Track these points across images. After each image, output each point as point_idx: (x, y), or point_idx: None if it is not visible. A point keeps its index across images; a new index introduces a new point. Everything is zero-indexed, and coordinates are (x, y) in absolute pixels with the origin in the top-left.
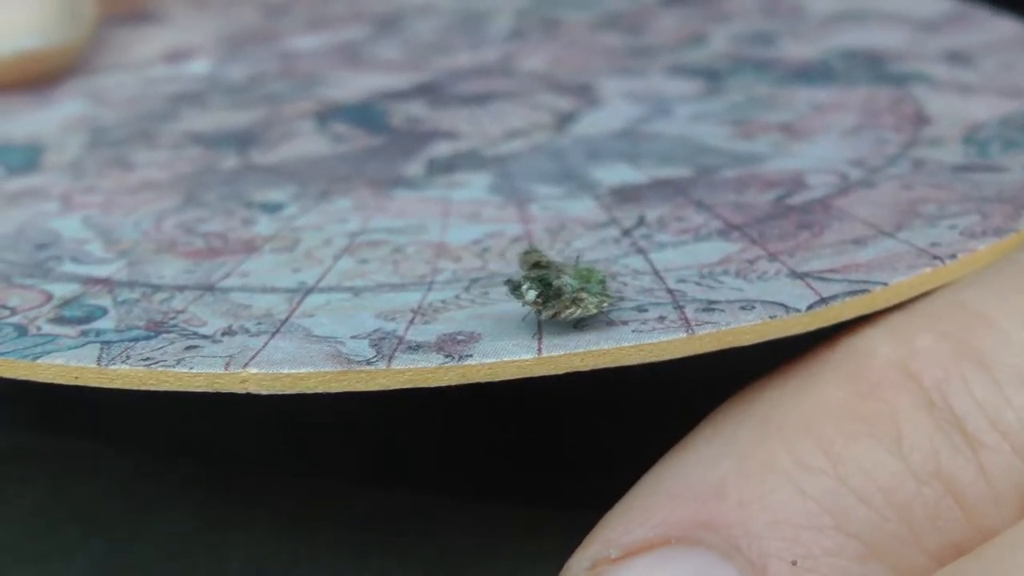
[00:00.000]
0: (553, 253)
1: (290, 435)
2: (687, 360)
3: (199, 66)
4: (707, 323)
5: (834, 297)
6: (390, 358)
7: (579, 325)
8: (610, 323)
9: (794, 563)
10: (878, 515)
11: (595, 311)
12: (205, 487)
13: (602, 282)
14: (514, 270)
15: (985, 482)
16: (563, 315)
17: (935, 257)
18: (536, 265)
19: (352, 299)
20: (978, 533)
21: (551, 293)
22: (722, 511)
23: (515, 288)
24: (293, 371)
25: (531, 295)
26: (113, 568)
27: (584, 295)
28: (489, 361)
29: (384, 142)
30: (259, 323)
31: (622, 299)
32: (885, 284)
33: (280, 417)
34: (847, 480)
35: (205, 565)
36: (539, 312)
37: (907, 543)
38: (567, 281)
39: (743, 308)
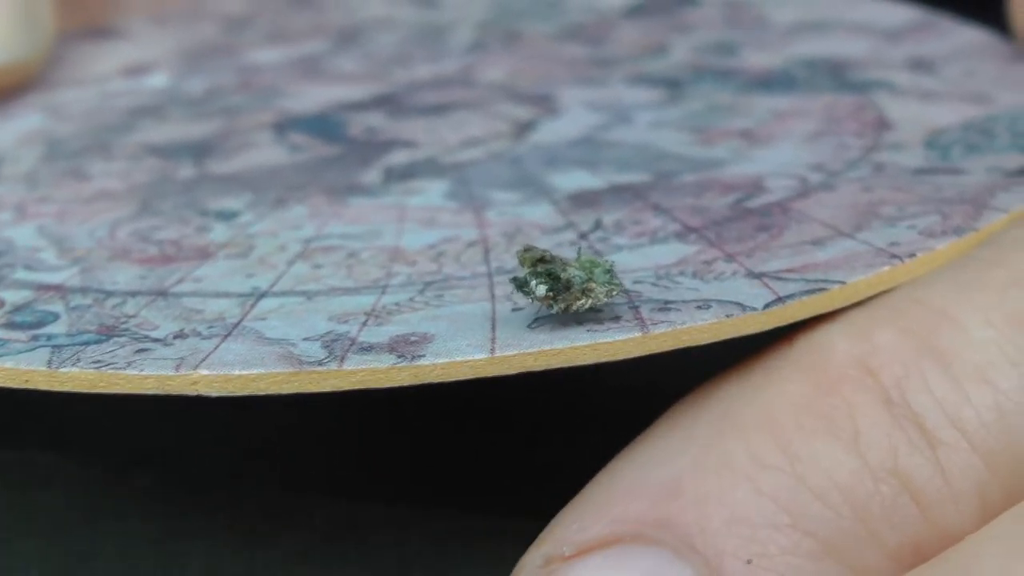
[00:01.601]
0: (509, 256)
1: (250, 445)
2: (655, 364)
3: (158, 80)
4: (662, 322)
5: (791, 296)
6: (342, 359)
7: (586, 316)
8: (564, 324)
9: (749, 561)
10: (834, 513)
11: (605, 300)
12: (164, 497)
13: (608, 271)
14: (468, 273)
15: (943, 480)
16: (574, 307)
17: (894, 256)
18: (540, 260)
19: (305, 302)
20: (936, 532)
21: (560, 286)
22: (677, 508)
23: (522, 285)
24: (244, 372)
25: (541, 290)
26: None
27: (593, 285)
28: (442, 361)
29: (341, 151)
30: (211, 326)
31: (626, 290)
32: (843, 283)
33: (240, 426)
34: (804, 478)
35: (163, 574)
36: (550, 306)
37: (864, 542)
38: (574, 273)
39: (699, 307)
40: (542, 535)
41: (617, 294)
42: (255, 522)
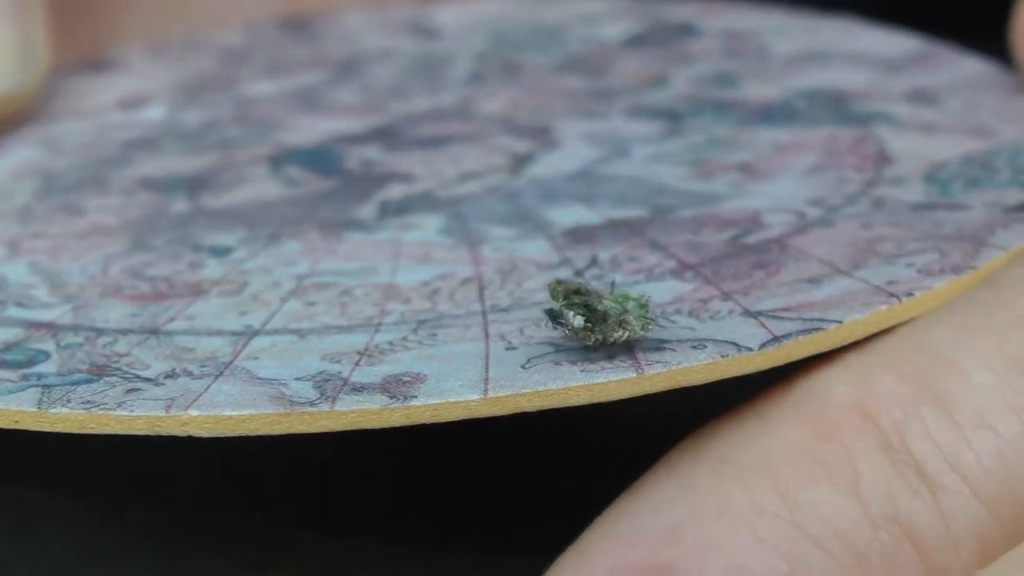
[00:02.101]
0: (504, 294)
1: (245, 480)
2: (650, 402)
3: (154, 112)
4: (657, 363)
5: (787, 335)
6: (334, 399)
7: (620, 349)
8: (558, 363)
9: None
10: (834, 561)
11: (641, 332)
12: (162, 534)
13: (644, 305)
14: (462, 311)
15: (944, 526)
16: (611, 339)
17: (891, 295)
18: (575, 292)
19: (298, 341)
20: None
21: (597, 317)
22: (676, 555)
23: (556, 317)
24: (235, 413)
25: (579, 321)
26: None
27: (629, 317)
28: (434, 402)
29: (337, 185)
30: (203, 366)
31: (663, 319)
32: (840, 322)
33: (235, 462)
34: (803, 525)
35: None
36: (588, 337)
37: None
38: (610, 305)
39: (694, 347)
40: None
41: (652, 327)
42: (253, 560)
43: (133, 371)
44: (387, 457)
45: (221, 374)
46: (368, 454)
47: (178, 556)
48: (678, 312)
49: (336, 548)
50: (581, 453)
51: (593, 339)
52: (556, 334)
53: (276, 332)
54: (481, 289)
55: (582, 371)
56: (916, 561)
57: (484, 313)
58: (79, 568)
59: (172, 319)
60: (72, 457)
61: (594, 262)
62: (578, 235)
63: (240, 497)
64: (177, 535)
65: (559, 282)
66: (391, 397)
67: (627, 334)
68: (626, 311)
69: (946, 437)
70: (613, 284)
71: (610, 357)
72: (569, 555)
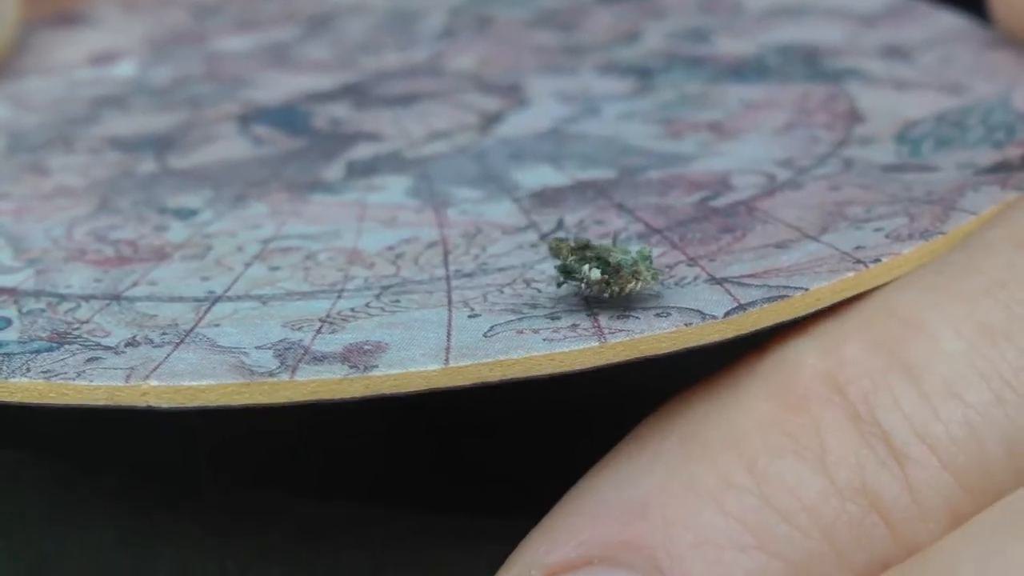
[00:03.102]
0: (469, 259)
1: (219, 444)
2: (633, 365)
3: (124, 68)
4: (620, 331)
5: (752, 303)
6: (294, 369)
7: (631, 303)
8: (520, 332)
9: None
10: (801, 534)
11: (653, 282)
12: (131, 497)
13: (648, 257)
14: (426, 276)
15: (912, 498)
16: (626, 290)
17: (858, 261)
18: (584, 247)
19: (260, 308)
20: (905, 551)
21: (611, 270)
22: (645, 530)
23: (570, 273)
24: (194, 383)
25: (596, 274)
26: None
27: (640, 268)
28: (395, 372)
29: (305, 144)
30: (164, 333)
31: (666, 271)
32: (805, 289)
33: (208, 425)
34: (770, 498)
35: None
36: (604, 290)
37: (832, 562)
38: (621, 256)
39: (658, 315)
40: (511, 558)
41: (663, 278)
42: (224, 522)
43: (94, 339)
44: (363, 419)
45: (182, 342)
46: (344, 417)
47: (148, 519)
48: None
49: (311, 510)
50: (560, 410)
51: (609, 291)
52: (555, 292)
53: (238, 298)
54: (446, 253)
55: (545, 340)
56: (884, 533)
57: (448, 279)
58: (48, 529)
59: (135, 284)
60: (39, 420)
61: (560, 226)
62: (545, 197)
63: (210, 461)
64: (148, 498)
65: (561, 239)
66: (352, 367)
67: (640, 284)
68: (637, 261)
69: (914, 407)
70: (615, 238)
71: (574, 326)
72: (538, 531)
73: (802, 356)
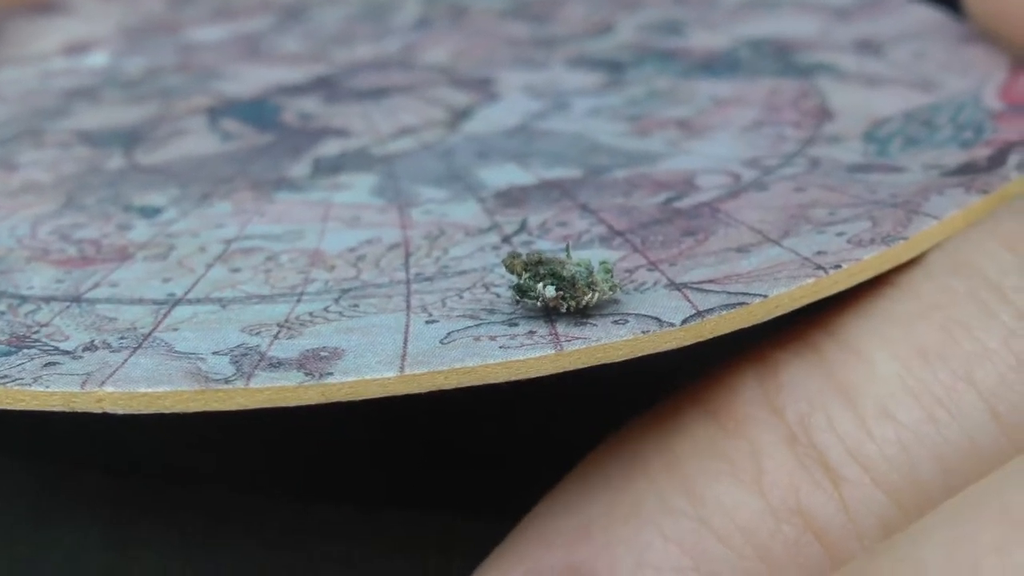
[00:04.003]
0: (430, 262)
1: (199, 443)
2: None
3: (97, 59)
4: (577, 339)
5: (711, 311)
6: (249, 376)
7: (590, 313)
8: (477, 338)
9: None
10: (737, 555)
11: (610, 293)
12: (111, 499)
13: (609, 271)
14: (386, 280)
15: (847, 517)
16: (583, 302)
17: (818, 267)
18: (537, 263)
19: (219, 311)
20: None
21: (566, 284)
22: (588, 554)
23: (525, 292)
24: (150, 390)
25: (551, 291)
26: None
27: (596, 278)
28: (350, 379)
29: (272, 140)
30: (122, 338)
31: (626, 276)
32: (764, 296)
33: (188, 424)
34: (707, 521)
35: None
36: (561, 306)
37: None
38: (575, 269)
39: (616, 322)
40: None
41: (621, 289)
42: (205, 527)
43: (52, 343)
44: (344, 418)
45: (139, 346)
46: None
47: (129, 523)
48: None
49: (291, 514)
50: (551, 412)
51: (566, 306)
52: (508, 303)
53: (198, 301)
54: (407, 256)
55: (501, 347)
56: (819, 552)
57: (408, 282)
58: (28, 533)
59: (96, 285)
60: (15, 418)
61: (523, 227)
62: (510, 198)
63: (192, 461)
64: (128, 501)
65: (515, 255)
66: (307, 374)
67: (597, 295)
68: (591, 272)
69: (849, 428)
70: (568, 248)
71: (530, 332)
72: (492, 557)
73: (742, 381)
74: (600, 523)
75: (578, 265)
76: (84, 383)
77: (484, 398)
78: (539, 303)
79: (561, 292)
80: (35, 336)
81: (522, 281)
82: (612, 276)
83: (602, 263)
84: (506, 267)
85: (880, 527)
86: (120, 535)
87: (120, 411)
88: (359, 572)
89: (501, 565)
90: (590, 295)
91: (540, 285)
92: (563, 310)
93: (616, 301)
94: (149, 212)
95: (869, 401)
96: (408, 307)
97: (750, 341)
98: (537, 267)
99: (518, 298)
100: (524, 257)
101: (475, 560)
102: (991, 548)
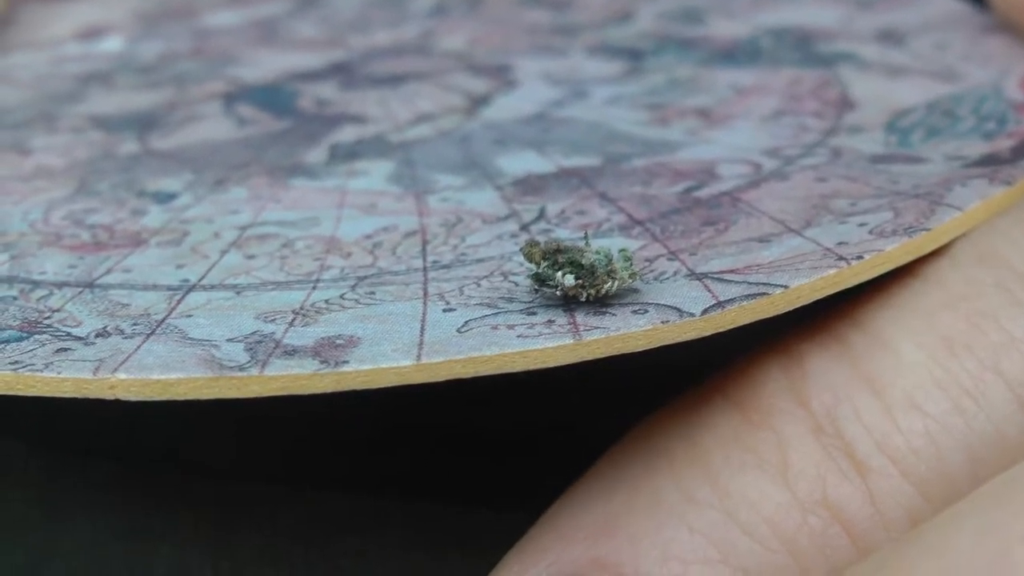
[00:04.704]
0: (447, 249)
1: (214, 431)
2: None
3: (112, 43)
4: (596, 328)
5: (731, 301)
6: (264, 364)
7: (609, 302)
8: (495, 327)
9: None
10: (763, 547)
11: (630, 281)
12: (126, 489)
13: (628, 258)
14: (403, 267)
15: (874, 508)
16: (603, 291)
17: (840, 258)
18: (555, 251)
19: (234, 298)
20: None
21: (585, 273)
22: (612, 548)
23: (544, 281)
24: (163, 377)
25: (569, 280)
26: None
27: (616, 266)
28: (366, 368)
29: (289, 126)
30: (135, 324)
31: (645, 266)
32: (785, 287)
33: (201, 412)
34: (733, 513)
35: (127, 575)
36: (580, 294)
37: (795, 574)
38: (594, 257)
39: (635, 312)
40: None
41: (640, 274)
42: (219, 518)
43: (65, 328)
44: (360, 408)
45: (153, 333)
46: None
47: (144, 514)
48: None
49: (307, 507)
50: (573, 404)
51: (586, 295)
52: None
53: (213, 287)
54: (424, 243)
55: (519, 336)
56: (847, 543)
57: (425, 270)
58: (41, 524)
59: (109, 271)
60: (28, 407)
61: (541, 215)
62: (528, 185)
63: (206, 450)
64: (142, 491)
65: (533, 244)
66: (323, 362)
67: (617, 284)
68: (611, 260)
69: (875, 419)
70: (587, 236)
71: (549, 322)
72: (513, 552)
73: (766, 371)
74: (624, 516)
75: (597, 253)
76: (96, 369)
77: (503, 388)
78: (558, 292)
79: (580, 281)
80: (47, 322)
81: (541, 270)
82: (632, 264)
83: (621, 251)
84: (524, 255)
85: (907, 519)
86: (133, 525)
87: (133, 398)
88: (376, 566)
89: (523, 560)
90: (610, 283)
91: (559, 274)
92: (582, 299)
93: (636, 290)
94: (163, 197)
95: (896, 392)
96: (425, 295)
97: (774, 332)
98: (556, 255)
99: (537, 287)
100: (543, 245)
101: (496, 555)
102: (1022, 536)
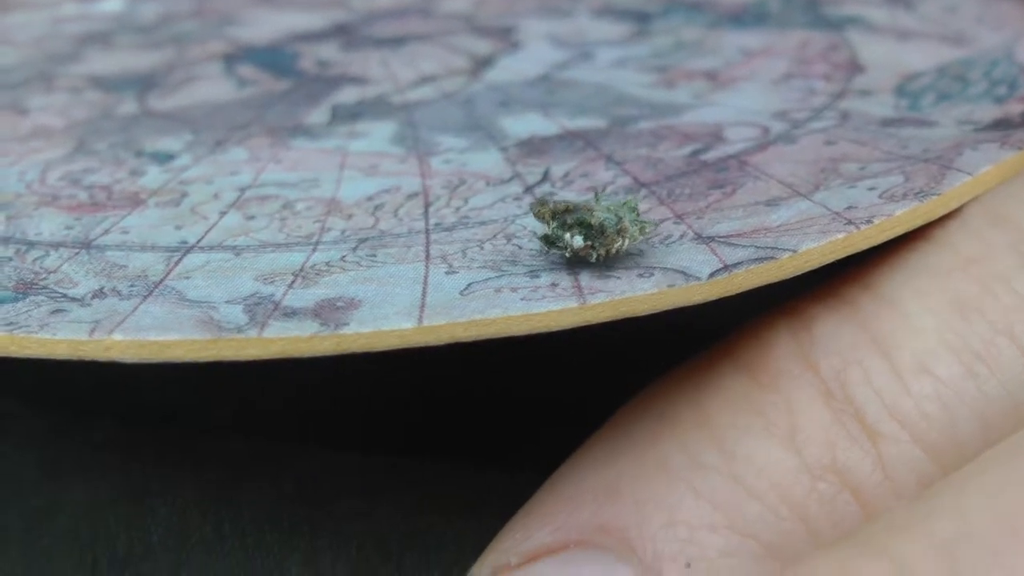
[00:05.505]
0: (450, 211)
1: (214, 389)
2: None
3: (111, 3)
4: (601, 291)
5: (738, 264)
6: (263, 325)
7: (615, 264)
8: (498, 290)
9: (688, 565)
10: (772, 513)
11: (641, 238)
12: (126, 447)
13: (635, 209)
14: (405, 229)
15: (883, 474)
16: (613, 250)
17: (849, 222)
18: (564, 211)
19: (233, 259)
20: None
21: (595, 232)
22: (617, 512)
23: (553, 242)
24: (160, 338)
25: (578, 241)
26: (33, 539)
27: (626, 224)
28: (366, 330)
29: (290, 87)
30: (132, 285)
31: (658, 225)
32: (794, 251)
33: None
34: (740, 477)
35: (125, 536)
36: (590, 255)
37: (804, 540)
38: (604, 215)
39: (641, 275)
40: (490, 545)
41: (652, 230)
42: (222, 478)
43: (61, 290)
44: (364, 368)
45: (150, 294)
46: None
47: (143, 473)
48: None
49: (312, 467)
50: (580, 367)
51: (596, 255)
52: (536, 247)
53: (211, 248)
54: (427, 205)
55: (523, 299)
56: (856, 510)
57: (427, 232)
58: (41, 483)
59: (106, 232)
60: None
61: (545, 177)
62: (532, 147)
63: (207, 410)
64: (140, 450)
65: (543, 203)
66: (322, 324)
67: (627, 242)
68: (621, 218)
69: (885, 383)
70: (597, 194)
71: (553, 285)
72: (518, 516)
73: (775, 334)
74: (629, 481)
75: (608, 211)
76: (92, 331)
77: (508, 351)
78: (567, 253)
79: (590, 242)
80: (43, 282)
81: (551, 231)
82: (639, 217)
83: (626, 202)
84: (534, 215)
85: (918, 485)
86: (135, 486)
87: (129, 360)
88: (382, 527)
89: (528, 524)
90: (620, 242)
91: (568, 235)
92: (592, 259)
93: (641, 252)
94: (162, 158)
95: (906, 355)
96: (427, 257)
97: (782, 297)
98: (565, 215)
99: (546, 248)
100: (552, 205)
101: (502, 518)
102: None
